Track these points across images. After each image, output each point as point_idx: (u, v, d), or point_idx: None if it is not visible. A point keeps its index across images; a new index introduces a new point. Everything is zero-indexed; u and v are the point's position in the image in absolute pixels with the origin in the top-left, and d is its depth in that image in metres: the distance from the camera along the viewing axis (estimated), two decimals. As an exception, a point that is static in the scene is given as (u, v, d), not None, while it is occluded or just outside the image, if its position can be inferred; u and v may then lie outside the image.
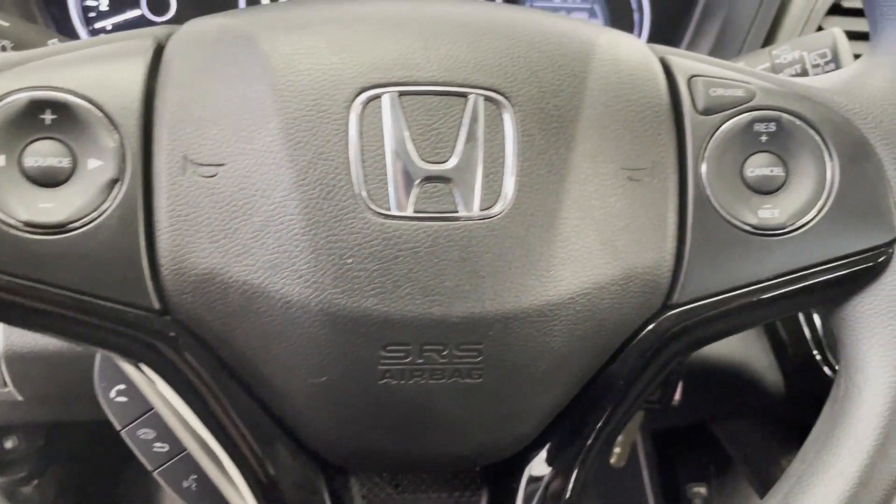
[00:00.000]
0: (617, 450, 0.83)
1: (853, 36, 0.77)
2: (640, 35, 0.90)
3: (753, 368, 0.85)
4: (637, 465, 1.22)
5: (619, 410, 0.48)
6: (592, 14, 0.91)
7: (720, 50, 0.78)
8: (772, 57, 0.59)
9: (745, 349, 0.85)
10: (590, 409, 0.47)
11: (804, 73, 0.58)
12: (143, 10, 0.83)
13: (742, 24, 0.76)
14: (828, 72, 0.57)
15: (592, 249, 0.42)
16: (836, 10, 0.78)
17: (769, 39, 0.78)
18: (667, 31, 0.87)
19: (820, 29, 0.77)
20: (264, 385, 0.42)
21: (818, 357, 0.82)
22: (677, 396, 0.79)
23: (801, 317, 0.82)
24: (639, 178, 0.43)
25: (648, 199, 0.43)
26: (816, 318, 0.81)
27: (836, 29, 0.59)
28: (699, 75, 0.45)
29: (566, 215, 0.42)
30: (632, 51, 0.45)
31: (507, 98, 0.41)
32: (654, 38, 0.89)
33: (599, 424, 0.47)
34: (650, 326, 0.45)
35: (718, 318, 0.45)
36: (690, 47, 0.80)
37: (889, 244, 0.44)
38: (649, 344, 0.45)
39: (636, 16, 0.90)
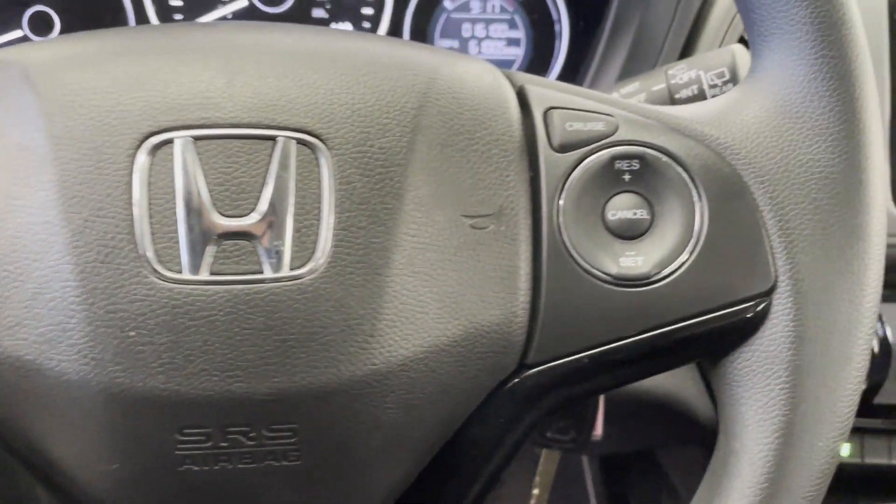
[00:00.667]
0: (535, 491, 0.78)
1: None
2: (559, 46, 0.85)
3: (682, 397, 0.80)
4: (585, 493, 1.18)
5: (485, 471, 0.43)
6: (513, 25, 0.86)
7: (635, 62, 0.73)
8: (668, 77, 0.54)
9: (672, 378, 0.80)
10: (451, 476, 0.42)
11: (701, 94, 0.54)
12: (24, 30, 0.78)
13: (656, 35, 0.71)
14: (726, 93, 0.53)
15: (428, 309, 0.37)
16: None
17: (688, 50, 0.73)
18: (584, 41, 0.82)
19: (743, 40, 0.73)
20: (58, 472, 0.37)
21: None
22: (598, 432, 0.75)
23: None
24: (483, 225, 0.38)
25: (495, 248, 0.38)
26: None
27: (737, 45, 0.54)
28: (556, 107, 0.40)
29: (395, 272, 0.37)
30: (481, 82, 0.40)
31: (322, 141, 0.36)
32: (573, 49, 0.85)
33: (467, 489, 0.43)
34: (507, 387, 0.40)
35: (584, 377, 0.41)
36: (604, 59, 0.76)
37: (766, 294, 0.39)
38: (508, 407, 0.41)
39: (556, 27, 0.85)
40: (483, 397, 0.40)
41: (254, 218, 0.35)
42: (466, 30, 0.87)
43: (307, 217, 0.36)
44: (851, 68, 0.39)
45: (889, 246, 0.70)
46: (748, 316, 0.40)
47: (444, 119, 0.38)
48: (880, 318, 0.76)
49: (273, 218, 0.35)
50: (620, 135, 0.40)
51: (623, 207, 0.40)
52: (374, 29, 0.83)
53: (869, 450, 0.78)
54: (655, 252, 0.40)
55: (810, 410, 0.39)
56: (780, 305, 0.39)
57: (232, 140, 0.35)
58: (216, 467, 0.36)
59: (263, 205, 0.35)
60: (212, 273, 0.35)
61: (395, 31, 0.84)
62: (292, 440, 0.36)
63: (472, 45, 0.87)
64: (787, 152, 0.40)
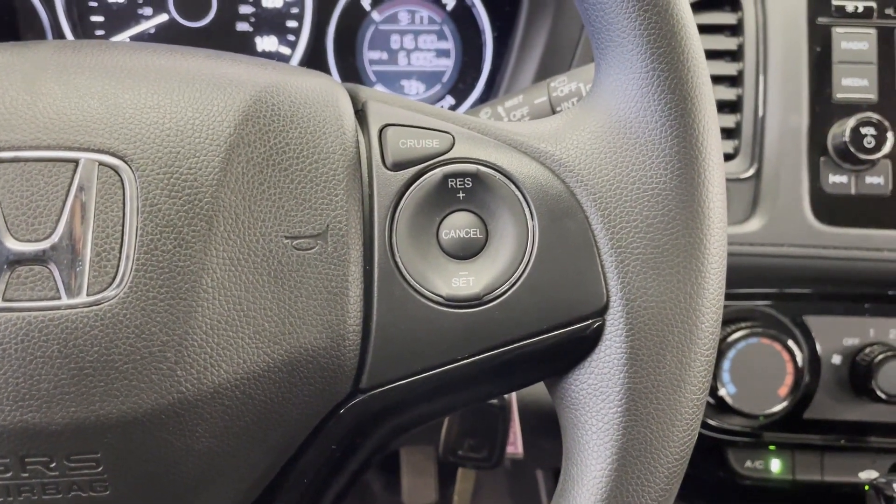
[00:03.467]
0: (453, 509, 0.77)
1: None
2: (486, 56, 0.84)
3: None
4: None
5: (326, 498, 0.42)
6: (442, 36, 0.85)
7: (548, 71, 0.72)
8: (549, 90, 0.53)
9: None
10: (288, 502, 0.41)
11: (582, 106, 0.52)
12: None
13: (567, 44, 0.70)
14: (568, 109, 0.51)
15: (242, 334, 0.36)
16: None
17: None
18: (504, 51, 0.81)
19: None
20: None
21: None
22: (518, 449, 0.73)
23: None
24: (307, 246, 0.37)
25: (321, 270, 0.37)
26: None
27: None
28: (392, 124, 0.39)
29: (203, 297, 0.35)
30: (315, 99, 0.39)
31: (126, 162, 0.35)
32: (496, 59, 0.83)
33: None
34: (341, 413, 0.39)
35: (422, 400, 0.39)
36: (516, 70, 0.74)
37: (598, 314, 0.38)
38: (345, 432, 0.39)
39: (483, 36, 0.84)
40: (316, 423, 0.39)
41: (50, 242, 0.34)
42: (395, 41, 0.86)
43: (108, 241, 0.35)
44: (685, 81, 0.38)
45: (810, 257, 0.69)
46: (581, 337, 0.38)
47: (265, 137, 0.37)
48: (809, 332, 0.75)
49: (70, 242, 0.34)
50: (455, 152, 0.39)
51: (457, 227, 0.39)
52: (297, 42, 0.83)
53: (800, 466, 0.76)
54: (488, 272, 0.38)
55: (646, 433, 0.37)
56: (613, 325, 0.38)
57: (31, 163, 0.35)
58: (20, 498, 0.35)
59: (61, 229, 0.34)
60: (4, 299, 0.34)
61: (318, 44, 0.83)
62: (97, 470, 0.35)
63: (402, 56, 0.86)
64: (620, 169, 0.38)
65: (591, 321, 0.38)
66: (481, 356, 0.38)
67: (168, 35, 0.81)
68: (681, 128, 0.38)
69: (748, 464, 0.77)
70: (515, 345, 0.38)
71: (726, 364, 0.72)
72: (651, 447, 0.38)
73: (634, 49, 0.38)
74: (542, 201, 0.38)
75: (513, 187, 0.39)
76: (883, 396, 0.71)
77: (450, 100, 0.86)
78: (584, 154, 0.39)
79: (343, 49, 0.84)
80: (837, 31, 0.70)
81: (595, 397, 0.38)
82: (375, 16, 0.85)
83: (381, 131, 0.39)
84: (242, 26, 0.83)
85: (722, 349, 0.72)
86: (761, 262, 0.69)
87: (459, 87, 0.86)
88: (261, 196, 0.37)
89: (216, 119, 0.37)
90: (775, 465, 0.77)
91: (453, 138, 0.39)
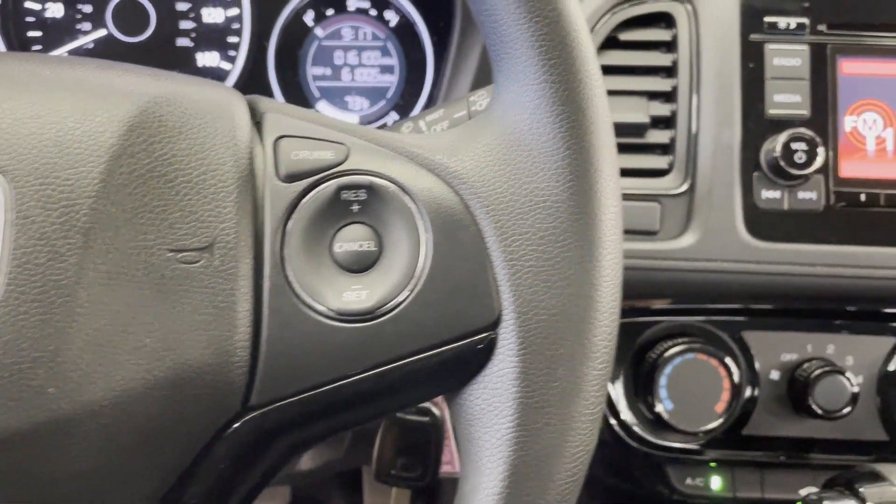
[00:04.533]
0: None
1: (628, 71, 0.72)
2: (429, 72, 0.84)
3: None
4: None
5: None
6: (386, 52, 0.85)
7: (482, 83, 0.72)
8: (469, 103, 0.53)
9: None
10: None
11: (499, 120, 0.52)
12: None
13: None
14: (467, 121, 0.51)
15: (121, 351, 0.35)
16: (612, 43, 0.72)
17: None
18: (442, 62, 0.81)
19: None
20: None
21: (611, 417, 0.76)
22: (457, 468, 0.72)
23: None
24: (192, 260, 0.36)
25: (208, 284, 0.36)
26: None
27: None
28: (287, 135, 0.39)
29: (79, 312, 0.34)
30: (209, 110, 0.38)
31: (1, 173, 0.34)
32: (437, 75, 0.83)
33: None
34: (231, 430, 0.38)
35: (315, 417, 0.38)
36: (451, 84, 0.74)
37: (491, 327, 0.37)
38: (237, 450, 0.38)
39: (425, 52, 0.84)
40: (206, 441, 0.38)
41: None
42: (339, 57, 0.85)
43: None
44: (577, 93, 0.38)
45: (744, 272, 0.69)
46: (475, 351, 0.38)
47: (151, 148, 0.37)
48: (747, 348, 0.75)
49: None
50: (349, 164, 0.38)
51: (350, 239, 0.38)
52: (237, 57, 0.82)
53: (740, 483, 0.76)
54: (381, 285, 0.38)
55: (539, 448, 0.37)
56: (505, 339, 0.37)
57: None
58: None
59: None
60: None
61: (259, 59, 0.83)
62: None
63: (346, 72, 0.86)
64: (514, 182, 0.38)
65: (483, 335, 0.38)
66: (374, 371, 0.37)
67: (107, 50, 0.81)
68: (572, 140, 0.38)
69: (688, 481, 0.76)
70: (408, 360, 0.37)
71: (663, 380, 0.72)
72: (544, 462, 0.37)
73: (527, 61, 0.38)
74: (437, 214, 0.38)
75: (407, 200, 0.38)
76: (819, 412, 0.71)
77: (394, 115, 0.86)
78: (479, 166, 0.38)
79: (286, 65, 0.84)
80: (770, 47, 0.71)
81: (488, 412, 0.37)
82: (319, 32, 0.84)
83: (275, 143, 0.39)
84: (183, 42, 0.82)
85: (659, 365, 0.72)
86: (695, 278, 0.69)
87: (404, 103, 0.86)
88: (144, 208, 0.36)
89: (98, 129, 0.36)
90: (716, 483, 0.76)
91: (349, 150, 0.39)
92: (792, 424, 0.75)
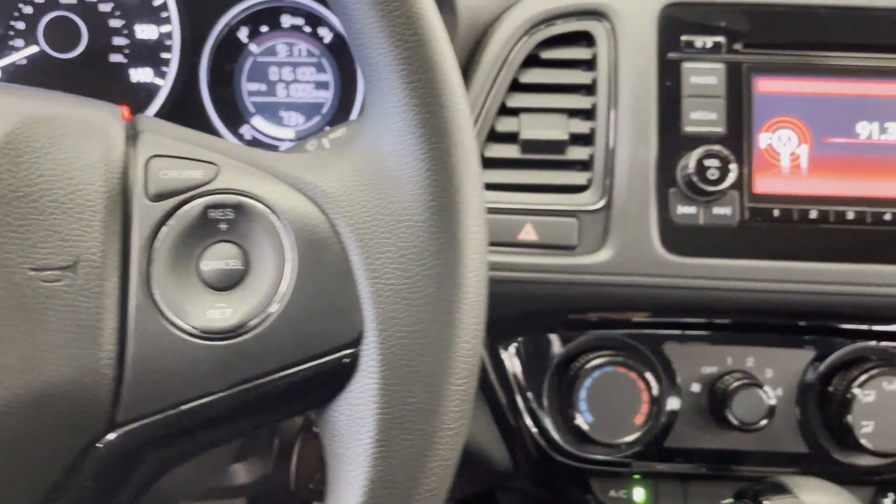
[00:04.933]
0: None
1: (550, 88, 0.73)
2: (359, 85, 0.85)
3: (478, 443, 0.79)
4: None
5: None
6: (321, 68, 0.86)
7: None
8: (368, 121, 0.54)
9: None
10: None
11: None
12: None
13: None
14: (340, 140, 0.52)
15: None
16: (534, 61, 0.74)
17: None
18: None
19: (503, 107, 0.72)
20: None
21: (534, 429, 0.76)
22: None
23: (515, 385, 0.76)
24: (55, 279, 0.37)
25: (71, 303, 0.37)
26: (520, 387, 0.76)
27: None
28: (159, 155, 0.40)
29: None
30: (77, 130, 0.39)
31: None
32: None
33: None
34: (97, 448, 0.38)
35: (182, 434, 0.39)
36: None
37: (353, 344, 0.38)
38: (103, 468, 0.39)
39: (358, 68, 0.85)
40: (71, 458, 0.38)
41: None
42: (274, 73, 0.86)
43: None
44: (439, 115, 0.39)
45: (659, 286, 0.70)
46: (338, 368, 0.39)
47: (15, 170, 0.37)
48: (668, 361, 0.75)
49: None
50: (217, 183, 0.39)
51: (217, 258, 0.39)
52: (167, 73, 0.83)
53: (663, 495, 0.77)
54: (245, 304, 0.39)
55: (398, 465, 0.38)
56: (367, 356, 0.38)
57: None
58: None
59: None
60: None
61: (192, 75, 0.84)
62: None
63: (281, 88, 0.86)
64: (378, 201, 0.39)
65: (346, 352, 0.38)
66: (238, 389, 0.38)
67: (40, 67, 0.81)
68: (433, 161, 0.39)
69: (612, 493, 0.77)
70: (271, 377, 0.38)
71: (582, 393, 0.73)
72: (402, 478, 0.38)
73: (391, 84, 0.39)
74: (302, 232, 0.39)
75: (273, 218, 0.39)
76: (737, 424, 0.72)
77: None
78: (346, 186, 0.39)
79: (220, 81, 0.85)
80: (687, 66, 0.72)
81: (351, 428, 0.38)
82: (253, 48, 0.85)
83: (147, 162, 0.39)
84: (116, 58, 0.83)
85: (579, 377, 0.73)
86: (612, 292, 0.70)
87: (339, 119, 0.87)
88: (5, 228, 0.37)
89: None
90: (639, 495, 0.77)
91: (219, 169, 0.39)
92: (713, 436, 0.76)
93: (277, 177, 0.40)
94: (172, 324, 0.38)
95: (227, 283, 0.39)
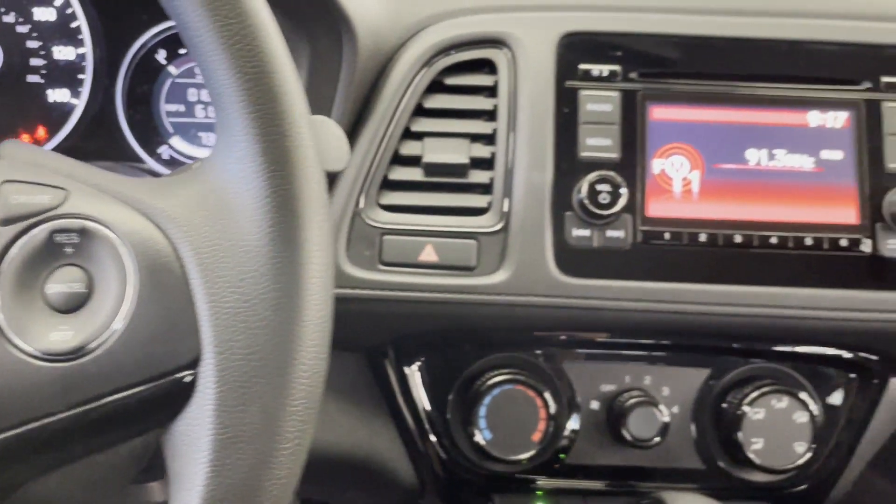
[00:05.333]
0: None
1: (454, 114, 0.75)
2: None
3: (382, 459, 0.80)
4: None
5: None
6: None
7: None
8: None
9: (370, 439, 0.80)
10: None
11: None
12: None
13: (325, 98, 0.72)
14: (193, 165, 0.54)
15: None
16: (439, 87, 0.76)
17: (359, 125, 0.75)
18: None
19: (407, 131, 0.74)
20: None
21: (438, 446, 0.78)
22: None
23: (419, 403, 0.78)
24: None
25: None
26: (425, 405, 0.77)
27: (313, 117, 0.55)
28: (12, 180, 0.41)
29: None
30: None
31: None
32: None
33: None
34: None
35: (24, 455, 0.40)
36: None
37: (191, 366, 0.40)
38: None
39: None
40: None
41: None
42: (192, 94, 0.88)
43: None
44: (279, 145, 0.40)
45: (553, 306, 0.72)
46: (177, 389, 0.40)
47: None
48: (568, 379, 0.77)
49: None
50: (65, 208, 0.41)
51: (61, 281, 0.40)
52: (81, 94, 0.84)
53: (564, 511, 0.79)
54: (87, 325, 0.40)
55: (230, 485, 0.39)
56: (204, 378, 0.39)
57: None
58: None
59: None
60: None
61: (108, 95, 0.85)
62: None
63: (199, 109, 0.88)
64: (221, 226, 0.40)
65: (184, 374, 0.40)
66: (78, 410, 0.39)
67: (-45, 86, 0.82)
68: (274, 188, 0.40)
69: (514, 509, 0.78)
70: (111, 398, 0.39)
71: (482, 410, 0.74)
72: (236, 498, 0.39)
73: (235, 114, 0.41)
74: (144, 256, 0.40)
75: (117, 242, 0.40)
76: (632, 441, 0.74)
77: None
78: (190, 210, 0.41)
79: (138, 101, 0.86)
80: (583, 93, 0.74)
81: (188, 448, 0.39)
82: (172, 69, 0.87)
83: (1, 186, 0.41)
84: (33, 78, 0.84)
85: (480, 395, 0.74)
86: (509, 312, 0.72)
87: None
88: None
89: None
90: (540, 510, 0.79)
91: (68, 194, 0.41)
92: (612, 453, 0.78)
93: (125, 202, 0.41)
94: (14, 345, 0.39)
95: (71, 305, 0.40)
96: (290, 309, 0.40)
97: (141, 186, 0.42)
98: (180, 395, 0.40)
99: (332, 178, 0.73)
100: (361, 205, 0.73)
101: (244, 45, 0.39)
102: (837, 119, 0.75)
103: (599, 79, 0.75)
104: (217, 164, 0.42)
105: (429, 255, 0.72)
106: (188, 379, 0.40)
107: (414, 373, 0.77)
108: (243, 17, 0.39)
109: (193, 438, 0.40)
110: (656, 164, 0.74)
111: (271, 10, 0.70)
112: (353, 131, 0.74)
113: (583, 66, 0.75)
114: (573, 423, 0.77)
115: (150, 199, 0.41)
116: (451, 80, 0.76)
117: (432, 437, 0.77)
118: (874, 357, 0.78)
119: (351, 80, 0.71)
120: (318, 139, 0.54)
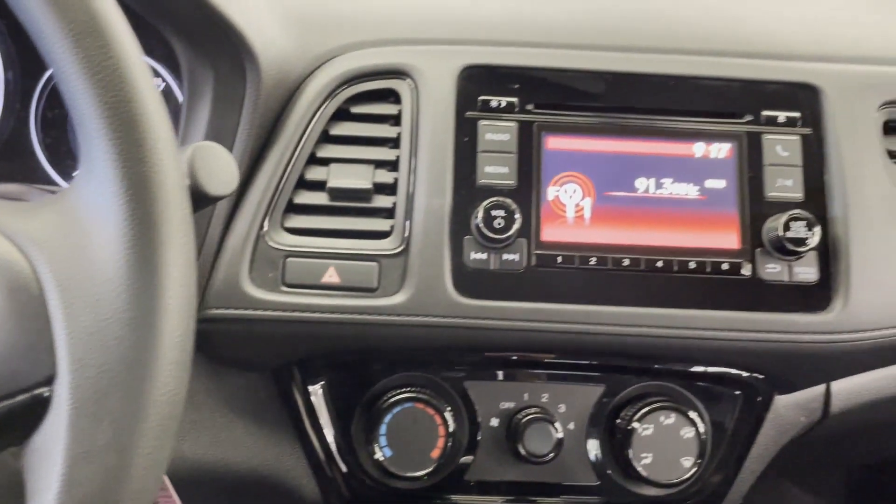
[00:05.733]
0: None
1: (360, 141, 0.78)
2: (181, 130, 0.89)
3: (289, 476, 0.82)
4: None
5: None
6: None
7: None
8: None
9: (276, 458, 0.82)
10: None
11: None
12: None
13: (226, 131, 0.75)
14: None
15: None
16: (346, 115, 0.79)
17: (264, 153, 0.77)
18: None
19: (314, 156, 0.77)
20: None
21: (341, 463, 0.80)
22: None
23: (324, 421, 0.80)
24: None
25: None
26: (329, 423, 0.79)
27: (200, 144, 0.58)
28: None
29: None
30: None
31: None
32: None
33: None
34: None
35: None
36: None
37: (45, 383, 0.41)
38: None
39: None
40: None
41: None
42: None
43: None
44: (137, 170, 0.42)
45: (451, 327, 0.75)
46: (32, 406, 0.41)
47: None
48: (469, 398, 0.80)
49: None
50: None
51: None
52: None
53: (466, 526, 0.81)
54: None
55: (85, 499, 0.40)
56: (59, 395, 0.41)
57: None
58: None
59: None
60: None
61: (21, 120, 0.86)
62: None
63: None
64: (80, 248, 0.42)
65: (39, 391, 0.41)
66: None
67: None
68: (130, 212, 0.42)
69: (415, 525, 0.80)
70: None
71: (383, 428, 0.76)
72: None
73: (96, 139, 0.42)
74: (2, 275, 0.42)
75: None
76: (527, 457, 0.77)
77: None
78: (52, 233, 0.42)
79: (51, 125, 0.87)
80: (482, 123, 0.78)
81: (43, 464, 0.41)
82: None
83: None
84: (-55, 100, 0.85)
85: (381, 413, 0.77)
86: (408, 332, 0.74)
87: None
88: None
89: None
90: (444, 527, 0.81)
91: None
92: (512, 469, 0.81)
93: None
94: None
95: None
96: (145, 327, 0.42)
97: (5, 208, 0.44)
98: (37, 411, 0.41)
99: (236, 202, 0.75)
100: (266, 228, 0.75)
101: (105, 75, 0.41)
102: (721, 150, 0.79)
103: (498, 110, 0.78)
104: (80, 188, 0.43)
105: (331, 276, 0.75)
106: (46, 395, 0.41)
107: (318, 392, 0.79)
108: (105, 48, 0.41)
109: (48, 453, 0.41)
110: (551, 192, 0.77)
111: (172, 37, 0.72)
112: (259, 156, 0.76)
113: (482, 98, 0.78)
114: (473, 440, 0.80)
115: (13, 221, 0.43)
116: (356, 109, 0.79)
117: (336, 456, 0.79)
118: (759, 376, 0.82)
119: (255, 107, 0.74)
120: (204, 164, 0.56)
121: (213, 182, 0.54)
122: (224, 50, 0.70)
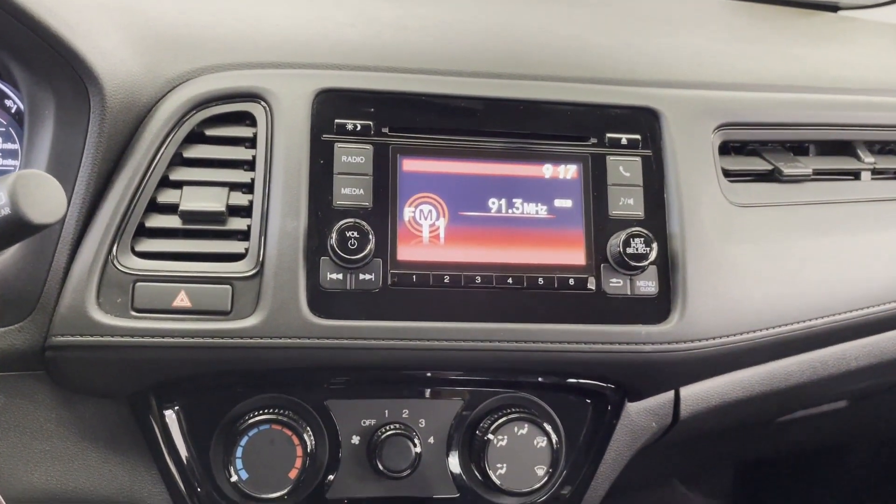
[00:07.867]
0: None
1: (215, 163, 0.78)
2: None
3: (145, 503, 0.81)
4: None
5: None
6: (8, 137, 0.87)
7: (58, 175, 0.75)
8: None
9: (131, 484, 0.80)
10: None
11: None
12: None
13: (70, 154, 0.74)
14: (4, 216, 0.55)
15: None
16: (200, 137, 0.79)
17: (115, 173, 0.76)
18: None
19: (166, 179, 0.77)
20: None
21: (199, 488, 0.79)
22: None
23: (182, 449, 0.79)
24: None
25: None
26: (185, 448, 0.79)
27: (24, 172, 0.57)
28: None
29: None
30: None
31: None
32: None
33: None
34: None
35: None
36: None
37: None
38: None
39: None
40: None
41: None
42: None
43: None
44: None
45: (306, 347, 0.75)
46: None
47: None
48: (330, 416, 0.81)
49: None
50: None
51: None
52: None
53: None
54: None
55: None
56: None
57: None
58: None
59: None
60: None
61: None
62: None
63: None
64: None
65: None
66: None
67: None
68: None
69: (277, 546, 0.80)
70: None
71: (238, 451, 0.76)
72: None
73: None
74: None
75: None
76: (385, 472, 0.78)
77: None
78: None
79: None
80: (339, 146, 0.79)
81: None
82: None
83: None
84: None
85: (237, 436, 0.76)
86: (263, 354, 0.74)
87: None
88: None
89: None
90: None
91: None
92: (373, 486, 0.82)
93: None
94: None
95: None
96: None
97: None
98: None
99: (84, 227, 0.74)
100: (115, 252, 0.74)
101: None
102: (569, 171, 0.83)
103: (353, 133, 0.80)
104: None
105: (182, 300, 0.74)
106: None
107: (174, 417, 0.78)
108: None
109: None
110: (406, 212, 0.79)
111: (9, 61, 0.71)
112: (108, 180, 0.75)
113: (338, 121, 0.80)
114: (333, 459, 0.81)
115: None
116: (211, 132, 0.79)
117: (194, 480, 0.78)
118: (610, 385, 0.86)
119: (101, 130, 0.73)
120: (27, 193, 0.55)
121: (36, 210, 0.53)
122: (64, 73, 0.69)
